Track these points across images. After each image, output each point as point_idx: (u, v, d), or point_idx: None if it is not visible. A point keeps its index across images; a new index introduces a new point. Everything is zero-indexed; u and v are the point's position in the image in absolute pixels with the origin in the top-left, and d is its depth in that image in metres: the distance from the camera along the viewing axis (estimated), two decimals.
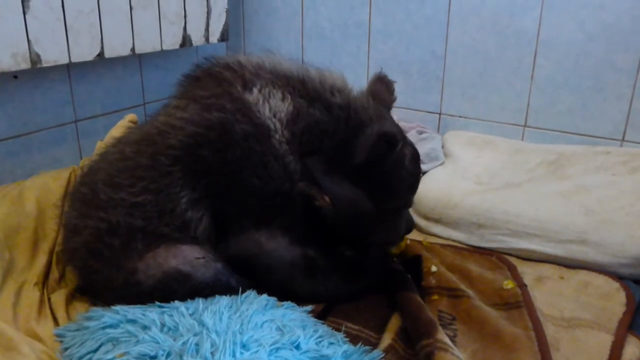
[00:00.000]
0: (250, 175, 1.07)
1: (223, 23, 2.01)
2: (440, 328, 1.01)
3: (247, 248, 1.09)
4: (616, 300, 1.20)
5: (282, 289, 1.10)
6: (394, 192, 1.15)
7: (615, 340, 1.05)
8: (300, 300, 1.09)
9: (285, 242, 1.11)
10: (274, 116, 1.09)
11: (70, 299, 1.16)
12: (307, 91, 1.12)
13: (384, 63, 2.00)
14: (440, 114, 1.96)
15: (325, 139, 1.10)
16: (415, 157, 1.18)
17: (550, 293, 1.24)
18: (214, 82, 1.13)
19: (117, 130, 1.42)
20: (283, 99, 1.11)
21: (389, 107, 1.28)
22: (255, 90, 1.10)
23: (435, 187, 1.60)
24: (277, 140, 1.09)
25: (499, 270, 1.32)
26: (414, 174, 1.17)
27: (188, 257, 1.04)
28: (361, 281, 1.19)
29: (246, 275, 1.09)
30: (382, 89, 1.27)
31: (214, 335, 0.84)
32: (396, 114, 1.99)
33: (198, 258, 1.04)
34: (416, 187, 1.19)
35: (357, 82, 1.34)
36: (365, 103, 1.15)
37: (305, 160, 1.10)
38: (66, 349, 0.94)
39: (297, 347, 0.86)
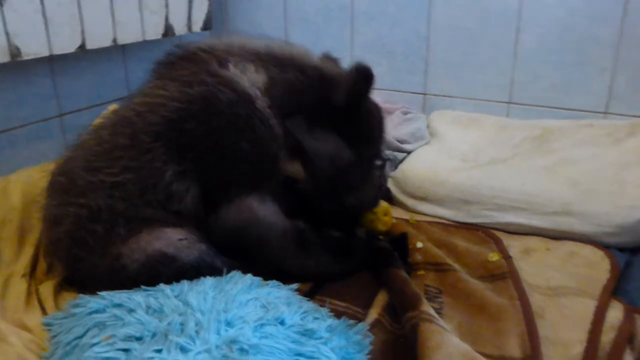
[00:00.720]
0: (239, 139, 1.08)
1: (206, 11, 2.00)
2: (424, 300, 1.02)
3: (239, 215, 1.09)
4: (601, 268, 1.21)
5: (273, 261, 1.11)
6: (369, 138, 1.22)
7: (599, 305, 1.06)
8: (289, 277, 1.10)
9: (276, 208, 1.12)
10: (253, 85, 1.13)
11: (58, 290, 1.15)
12: (277, 60, 1.16)
13: (367, 45, 2.00)
14: (425, 94, 1.96)
15: (303, 98, 1.14)
16: (378, 107, 1.26)
17: (537, 264, 1.25)
18: (189, 64, 1.14)
19: (99, 121, 1.42)
20: (257, 71, 1.15)
21: None
22: (230, 66, 1.13)
23: (422, 166, 1.61)
24: (259, 105, 1.12)
25: (485, 244, 1.33)
26: (381, 122, 1.26)
27: (171, 239, 1.04)
28: (351, 260, 1.20)
29: (237, 247, 1.09)
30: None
31: (198, 315, 0.85)
32: (381, 96, 1.99)
33: (181, 239, 1.04)
34: (384, 137, 1.28)
35: (344, 64, 1.33)
36: (331, 64, 1.22)
37: (286, 122, 1.14)
38: (54, 336, 0.95)
39: (282, 322, 0.86)
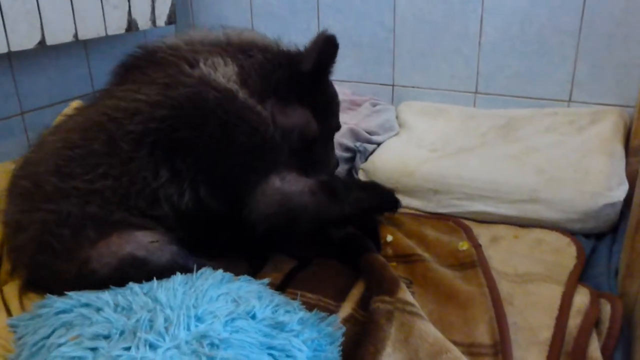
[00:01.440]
0: (237, 134, 1.09)
1: (169, 5, 1.97)
2: (403, 286, 1.03)
3: (269, 199, 1.09)
4: (567, 254, 1.23)
5: (316, 222, 1.15)
6: (332, 109, 1.31)
7: (566, 291, 1.08)
8: (334, 228, 1.26)
9: (295, 177, 1.14)
10: (229, 80, 1.14)
11: (23, 291, 1.13)
12: (240, 47, 1.20)
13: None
14: (393, 85, 1.97)
15: (273, 77, 1.19)
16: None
17: (505, 251, 1.27)
18: (160, 66, 1.13)
19: (61, 119, 1.39)
20: (226, 64, 1.16)
21: None
22: (202, 65, 1.14)
23: (391, 157, 1.61)
24: (242, 98, 1.13)
25: (455, 233, 1.35)
26: (337, 96, 1.34)
27: (142, 242, 1.02)
28: (377, 188, 1.33)
29: (281, 227, 1.11)
30: None
31: (168, 311, 0.84)
32: (349, 88, 2.00)
33: (152, 242, 1.03)
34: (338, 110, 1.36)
35: None
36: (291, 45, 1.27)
37: (265, 107, 1.17)
38: (20, 338, 0.93)
39: (253, 316, 0.86)
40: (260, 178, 1.10)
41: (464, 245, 1.26)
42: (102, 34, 1.72)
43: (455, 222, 1.40)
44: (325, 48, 1.18)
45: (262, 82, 1.18)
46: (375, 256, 1.16)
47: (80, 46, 1.82)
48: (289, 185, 1.12)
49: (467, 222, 1.41)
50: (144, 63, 1.16)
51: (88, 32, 1.67)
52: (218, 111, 1.08)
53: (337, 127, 1.36)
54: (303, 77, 1.20)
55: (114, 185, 1.04)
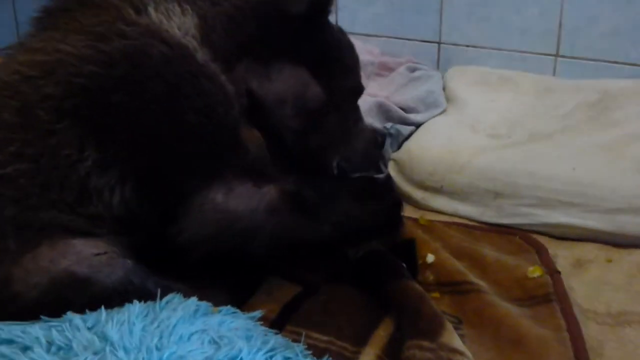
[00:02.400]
0: (185, 109, 1.08)
1: None
2: (449, 326, 1.03)
3: (205, 220, 1.09)
4: None
5: (277, 247, 1.15)
6: (341, 63, 1.30)
7: None
8: (311, 255, 1.24)
9: (248, 188, 1.13)
10: (186, 34, 1.15)
11: None
12: None
13: None
14: (439, 42, 1.97)
15: (247, 30, 1.21)
16: (345, 32, 1.35)
17: (593, 281, 1.26)
18: (95, 10, 1.13)
19: None
20: (184, 13, 1.17)
21: None
22: (151, 11, 1.14)
23: (435, 144, 1.60)
24: (202, 59, 1.14)
25: (524, 253, 1.34)
26: (352, 46, 1.34)
27: (83, 254, 1.02)
28: (376, 197, 1.29)
29: (222, 255, 1.11)
30: None
31: (121, 353, 0.84)
32: (378, 45, 1.99)
33: (98, 254, 1.03)
34: (358, 65, 1.36)
35: None
36: None
37: (233, 76, 1.18)
38: None
39: None
40: (200, 185, 1.10)
41: (535, 272, 1.25)
42: None
43: (523, 239, 1.39)
44: None
45: (230, 39, 1.20)
46: (409, 284, 1.15)
47: None
48: (236, 201, 1.11)
49: (540, 239, 1.40)
50: (74, 6, 1.16)
51: None
52: (164, 73, 1.07)
53: (357, 88, 1.36)
54: (293, 23, 1.21)
55: (31, 169, 1.04)
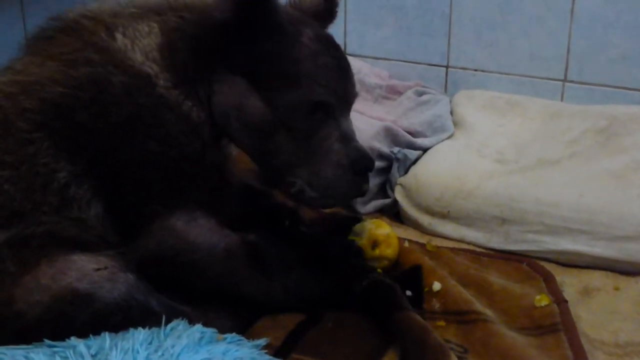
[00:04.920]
0: (145, 138, 1.11)
1: None
2: (454, 358, 1.02)
3: (161, 242, 1.12)
4: None
5: (221, 293, 1.14)
6: (287, 74, 1.18)
7: None
8: (250, 307, 1.15)
9: (212, 224, 1.15)
10: (147, 58, 1.16)
11: None
12: (170, 5, 1.23)
13: None
14: (447, 66, 1.96)
15: (200, 43, 1.18)
16: (324, 38, 1.24)
17: (601, 310, 1.26)
18: (72, 36, 1.17)
19: None
20: (149, 32, 1.19)
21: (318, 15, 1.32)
22: (119, 36, 1.18)
23: (442, 169, 1.60)
24: (162, 87, 1.15)
25: (531, 281, 1.33)
26: (322, 55, 1.21)
27: (85, 269, 1.03)
28: (337, 274, 1.23)
29: (169, 283, 1.10)
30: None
31: None
32: (386, 68, 1.99)
33: (99, 269, 1.03)
34: (320, 70, 1.21)
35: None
36: None
37: (199, 97, 1.18)
38: None
39: None
40: (162, 210, 1.12)
41: (542, 300, 1.24)
42: None
43: (530, 266, 1.38)
44: None
45: (189, 56, 1.19)
46: (412, 316, 1.14)
47: (15, 1, 1.83)
48: (196, 230, 1.14)
49: (547, 266, 1.39)
50: (55, 33, 1.20)
51: None
52: (125, 102, 1.11)
53: (312, 103, 1.19)
54: (225, 31, 1.18)
55: (13, 175, 1.07)
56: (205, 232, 1.14)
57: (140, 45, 1.17)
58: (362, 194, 1.29)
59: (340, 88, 1.22)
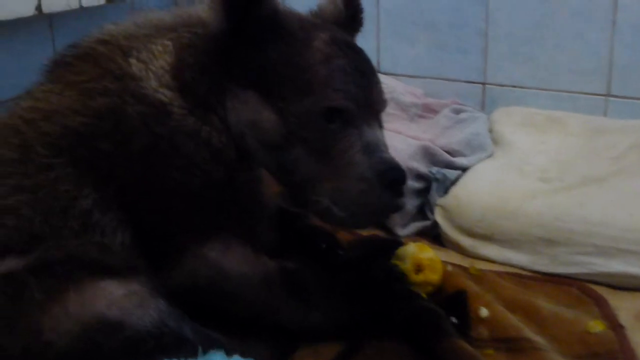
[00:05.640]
0: (167, 167, 1.10)
1: None
2: None
3: (195, 273, 1.10)
4: None
5: (258, 321, 1.11)
6: (295, 80, 1.12)
7: None
8: (289, 335, 1.12)
9: (248, 253, 1.13)
10: (161, 83, 1.14)
11: None
12: (184, 21, 1.21)
13: (398, 12, 1.99)
14: (484, 83, 1.95)
15: (206, 58, 1.15)
16: (341, 41, 1.16)
17: None
18: (89, 63, 1.17)
19: None
20: (163, 51, 1.17)
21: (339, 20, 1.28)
22: (133, 61, 1.16)
23: (483, 189, 1.58)
24: (178, 114, 1.13)
25: (582, 306, 1.30)
26: (337, 57, 1.13)
27: (114, 296, 1.01)
28: (381, 298, 1.19)
29: (204, 312, 1.07)
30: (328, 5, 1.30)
31: None
32: (420, 86, 1.98)
33: (128, 295, 1.01)
34: (349, 80, 1.13)
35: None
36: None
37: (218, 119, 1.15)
38: None
39: None
40: (193, 239, 1.11)
41: (597, 326, 1.20)
42: (75, 5, 1.73)
43: (581, 290, 1.35)
44: None
45: (204, 73, 1.16)
46: (460, 343, 1.11)
47: (44, 22, 1.83)
48: (230, 261, 1.11)
49: (598, 290, 1.35)
50: (73, 60, 1.21)
51: (55, 2, 1.68)
52: (143, 132, 1.10)
53: (326, 109, 1.11)
54: (224, 43, 1.14)
55: (31, 199, 1.07)
56: (240, 261, 1.12)
57: (154, 69, 1.16)
58: (396, 209, 1.15)
59: (361, 93, 1.13)
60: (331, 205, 1.11)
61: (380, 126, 1.19)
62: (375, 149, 1.12)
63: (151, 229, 1.11)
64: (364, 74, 1.15)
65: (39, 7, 1.64)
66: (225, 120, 1.15)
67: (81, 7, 1.74)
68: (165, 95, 1.14)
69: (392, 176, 1.10)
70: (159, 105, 1.13)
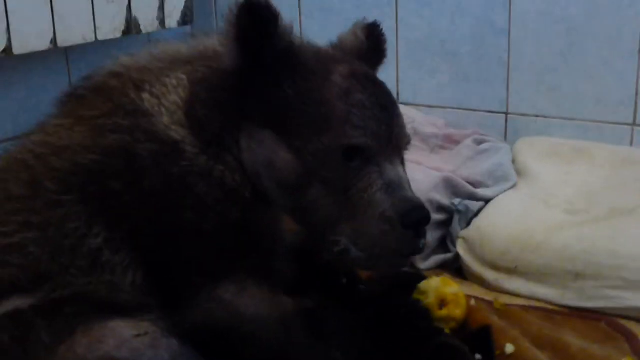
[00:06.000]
0: (180, 208, 1.08)
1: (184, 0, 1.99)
2: None
3: (211, 315, 1.07)
4: None
5: None
6: (310, 117, 1.08)
7: None
8: None
9: (264, 293, 1.10)
10: (173, 120, 1.12)
11: None
12: (201, 54, 1.19)
13: (419, 42, 1.99)
14: (507, 113, 1.93)
15: (220, 95, 1.13)
16: (361, 74, 1.12)
17: None
18: (101, 97, 1.17)
19: None
20: (177, 85, 1.15)
21: (360, 52, 1.25)
22: (146, 96, 1.15)
23: (507, 221, 1.55)
24: (190, 153, 1.10)
25: (612, 342, 1.27)
26: (356, 92, 1.10)
27: (123, 336, 0.98)
28: (404, 335, 1.15)
29: (219, 355, 1.05)
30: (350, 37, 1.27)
31: None
32: (442, 116, 1.96)
33: (139, 335, 0.99)
34: (369, 115, 1.09)
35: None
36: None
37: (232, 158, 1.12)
38: None
39: None
40: (207, 281, 1.09)
41: None
42: (91, 38, 1.74)
43: (610, 325, 1.32)
44: (242, 21, 1.06)
45: (218, 110, 1.14)
46: None
47: (60, 55, 1.84)
48: (247, 301, 1.09)
49: (629, 325, 1.32)
50: (86, 92, 1.21)
51: (71, 35, 1.69)
52: (155, 172, 1.09)
53: (343, 146, 1.08)
54: (238, 81, 1.12)
55: (39, 237, 1.06)
56: (256, 303, 1.10)
57: (167, 105, 1.14)
58: (418, 251, 1.12)
59: (382, 129, 1.10)
60: (350, 246, 1.08)
61: (403, 163, 1.16)
62: (398, 188, 1.09)
63: (164, 270, 1.10)
64: (385, 109, 1.11)
65: (54, 41, 1.65)
66: (239, 158, 1.12)
67: (97, 40, 1.75)
68: (177, 132, 1.12)
69: (415, 216, 1.06)
70: (171, 144, 1.11)
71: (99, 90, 1.19)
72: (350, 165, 1.08)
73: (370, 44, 1.26)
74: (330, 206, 1.09)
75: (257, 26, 1.06)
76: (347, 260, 1.10)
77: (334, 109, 1.08)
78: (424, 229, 1.09)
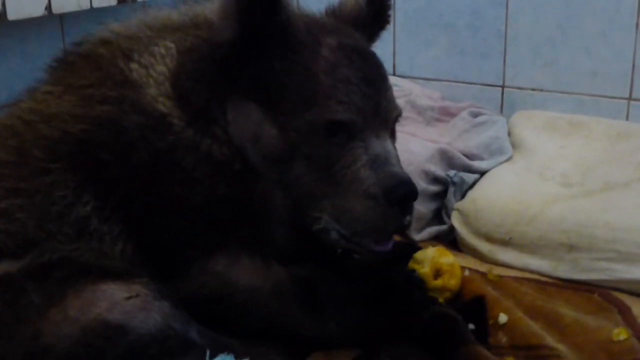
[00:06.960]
0: (169, 182, 1.09)
1: None
2: None
3: (203, 286, 1.09)
4: None
5: (270, 332, 1.10)
6: (297, 92, 1.08)
7: None
8: (302, 342, 1.11)
9: (257, 264, 1.11)
10: (160, 92, 1.12)
11: None
12: (192, 21, 1.19)
13: (416, 15, 1.98)
14: (503, 86, 1.93)
15: (208, 66, 1.12)
16: (349, 47, 1.12)
17: None
18: (90, 66, 1.17)
19: None
20: (165, 54, 1.15)
21: (358, 20, 1.24)
22: (134, 66, 1.14)
23: (502, 193, 1.55)
24: (177, 126, 1.10)
25: (605, 313, 1.27)
26: (342, 67, 1.10)
27: (115, 298, 0.99)
28: (398, 305, 1.17)
29: (216, 321, 1.06)
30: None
31: None
32: (438, 89, 1.96)
33: (130, 297, 0.99)
34: (355, 90, 1.09)
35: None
36: None
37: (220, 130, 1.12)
38: None
39: None
40: (199, 254, 1.09)
41: (621, 334, 1.17)
42: (86, 5, 1.72)
43: (603, 297, 1.32)
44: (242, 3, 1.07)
45: (205, 81, 1.13)
46: (479, 350, 1.09)
47: (54, 22, 1.83)
48: (238, 273, 1.10)
49: (621, 297, 1.32)
50: (77, 59, 1.20)
51: (66, 2, 1.67)
52: (142, 145, 1.09)
53: (327, 122, 1.08)
54: (230, 53, 1.11)
55: (26, 203, 1.07)
56: (249, 273, 1.11)
57: (154, 76, 1.14)
58: (403, 228, 1.13)
59: (368, 103, 1.10)
60: (332, 222, 1.09)
61: (393, 136, 1.16)
62: (384, 163, 1.09)
63: (156, 243, 1.11)
64: (372, 83, 1.12)
65: (49, 7, 1.64)
66: (227, 131, 1.12)
67: (92, 8, 1.74)
68: (164, 105, 1.12)
69: (400, 192, 1.07)
70: (158, 117, 1.11)
71: (88, 58, 1.19)
72: (333, 140, 1.08)
73: (371, 9, 1.25)
74: (313, 182, 1.10)
75: (263, 2, 1.06)
76: (326, 240, 1.12)
77: (320, 84, 1.09)
78: (410, 205, 1.09)
